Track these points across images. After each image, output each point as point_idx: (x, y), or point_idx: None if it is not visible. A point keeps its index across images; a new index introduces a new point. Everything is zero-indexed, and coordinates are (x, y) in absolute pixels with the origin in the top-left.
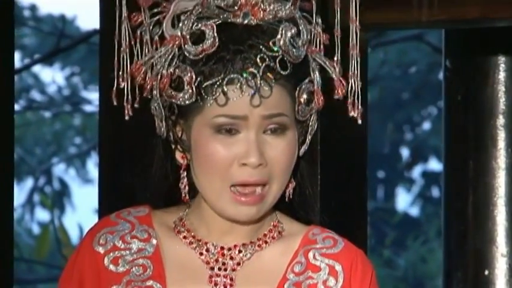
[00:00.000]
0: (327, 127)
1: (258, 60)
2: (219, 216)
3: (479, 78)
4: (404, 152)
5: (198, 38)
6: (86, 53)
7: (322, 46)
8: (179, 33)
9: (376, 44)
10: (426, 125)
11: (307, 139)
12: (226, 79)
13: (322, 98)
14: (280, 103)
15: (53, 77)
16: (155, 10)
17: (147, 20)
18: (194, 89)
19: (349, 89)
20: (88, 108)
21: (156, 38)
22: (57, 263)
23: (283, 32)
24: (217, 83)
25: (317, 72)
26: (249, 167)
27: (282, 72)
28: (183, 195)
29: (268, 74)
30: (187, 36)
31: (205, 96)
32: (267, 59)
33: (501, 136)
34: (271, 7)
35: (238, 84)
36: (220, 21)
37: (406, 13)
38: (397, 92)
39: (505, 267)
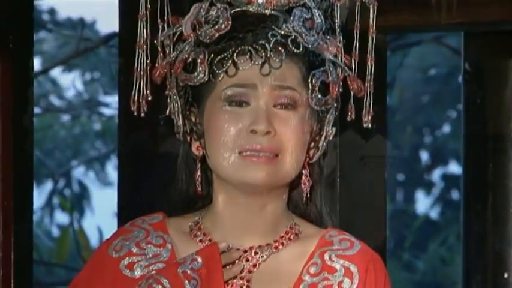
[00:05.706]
0: (345, 129)
1: (269, 35)
2: (235, 188)
3: (498, 81)
4: (424, 155)
5: (212, 22)
6: (105, 56)
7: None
8: (194, 20)
9: (396, 46)
10: (446, 128)
11: (320, 145)
12: (236, 51)
13: (337, 89)
14: (291, 78)
15: (72, 80)
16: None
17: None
18: (207, 67)
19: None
20: (107, 111)
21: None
22: (76, 266)
23: (296, 14)
24: (228, 56)
25: (332, 66)
26: (258, 135)
27: (293, 49)
28: (197, 187)
29: (279, 47)
30: (202, 20)
31: (217, 71)
32: (278, 36)
33: None
34: None
35: (248, 54)
36: (234, 9)
37: (426, 16)
38: (416, 95)
39: None
